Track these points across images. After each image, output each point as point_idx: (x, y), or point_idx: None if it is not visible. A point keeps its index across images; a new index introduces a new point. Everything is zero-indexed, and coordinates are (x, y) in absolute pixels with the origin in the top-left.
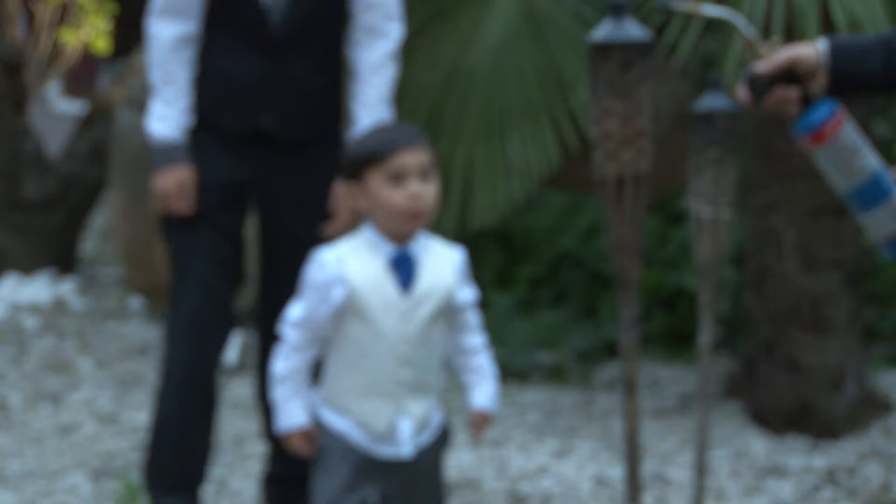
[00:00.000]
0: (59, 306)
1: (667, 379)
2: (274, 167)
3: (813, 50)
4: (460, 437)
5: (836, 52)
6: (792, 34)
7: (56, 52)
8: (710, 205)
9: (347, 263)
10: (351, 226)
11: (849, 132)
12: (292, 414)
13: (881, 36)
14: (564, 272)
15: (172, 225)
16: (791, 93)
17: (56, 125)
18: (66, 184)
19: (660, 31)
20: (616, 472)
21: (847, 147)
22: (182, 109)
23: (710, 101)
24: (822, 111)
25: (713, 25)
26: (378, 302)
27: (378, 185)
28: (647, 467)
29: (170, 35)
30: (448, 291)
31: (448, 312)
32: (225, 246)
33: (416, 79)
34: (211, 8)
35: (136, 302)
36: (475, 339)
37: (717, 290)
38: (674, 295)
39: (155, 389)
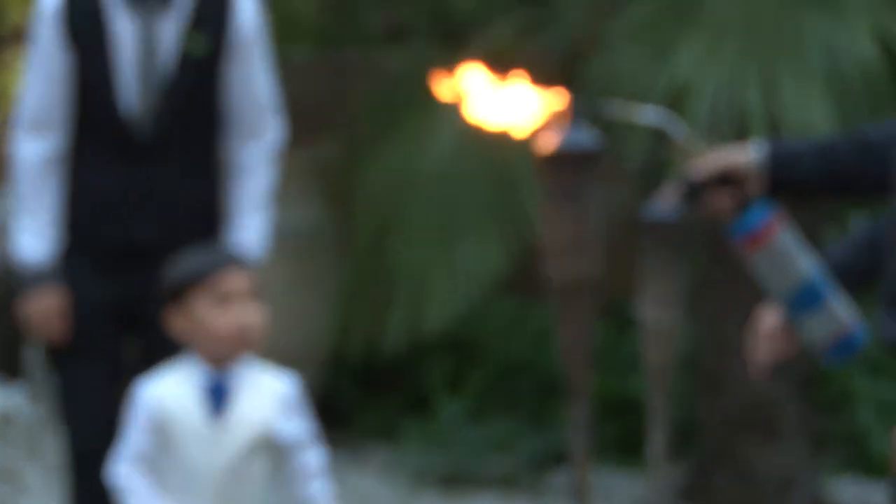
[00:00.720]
0: (6, 414)
1: (619, 486)
2: (154, 283)
3: (745, 155)
4: None
5: (775, 157)
6: (740, 136)
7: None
8: (659, 311)
9: (161, 391)
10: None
11: (785, 237)
12: None
13: (820, 140)
14: (515, 378)
15: (51, 352)
16: (726, 197)
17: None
18: (11, 288)
19: (610, 136)
20: None
21: (782, 252)
22: (50, 229)
23: (661, 208)
24: (757, 216)
25: (662, 131)
26: (185, 429)
27: (203, 308)
28: None
29: (35, 153)
30: (265, 424)
31: (270, 450)
32: (105, 370)
33: (368, 183)
34: (76, 119)
35: None
36: (314, 488)
37: (667, 396)
38: (624, 401)
39: None
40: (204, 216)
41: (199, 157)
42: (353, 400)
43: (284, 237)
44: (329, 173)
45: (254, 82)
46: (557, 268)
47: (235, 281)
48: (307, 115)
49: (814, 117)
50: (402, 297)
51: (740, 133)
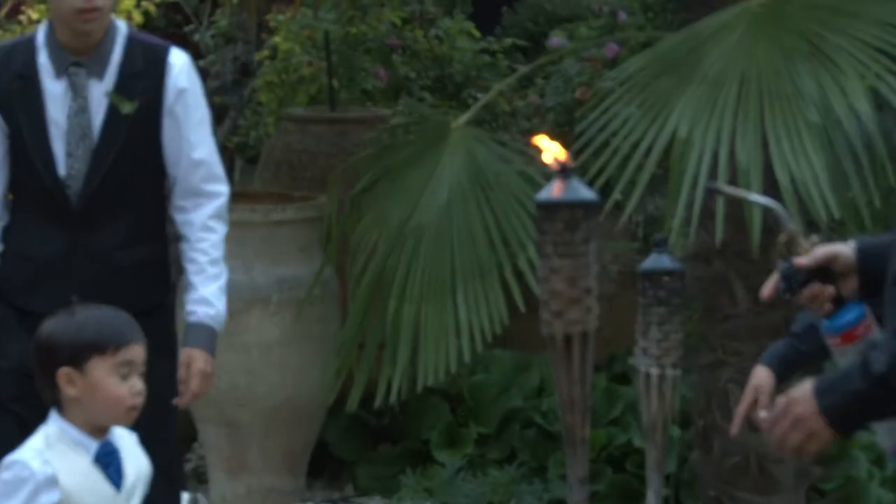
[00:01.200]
0: None
1: None
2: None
3: (850, 249)
4: None
5: (863, 254)
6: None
7: None
8: (656, 364)
9: (53, 464)
10: (203, 390)
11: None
12: None
13: None
14: (513, 430)
15: None
16: (827, 290)
17: None
18: None
19: (606, 190)
20: None
21: None
22: None
23: (657, 261)
24: (854, 313)
25: (658, 185)
26: (96, 502)
27: (103, 375)
28: None
29: None
30: (147, 475)
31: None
32: (13, 436)
33: (365, 237)
34: (12, 182)
35: None
36: None
37: (664, 448)
38: (622, 453)
39: None
40: (147, 282)
41: (138, 220)
42: (352, 452)
43: (285, 288)
44: (329, 225)
45: (192, 143)
46: (555, 319)
47: (138, 352)
48: (307, 167)
49: (808, 173)
50: (400, 350)
51: (735, 187)
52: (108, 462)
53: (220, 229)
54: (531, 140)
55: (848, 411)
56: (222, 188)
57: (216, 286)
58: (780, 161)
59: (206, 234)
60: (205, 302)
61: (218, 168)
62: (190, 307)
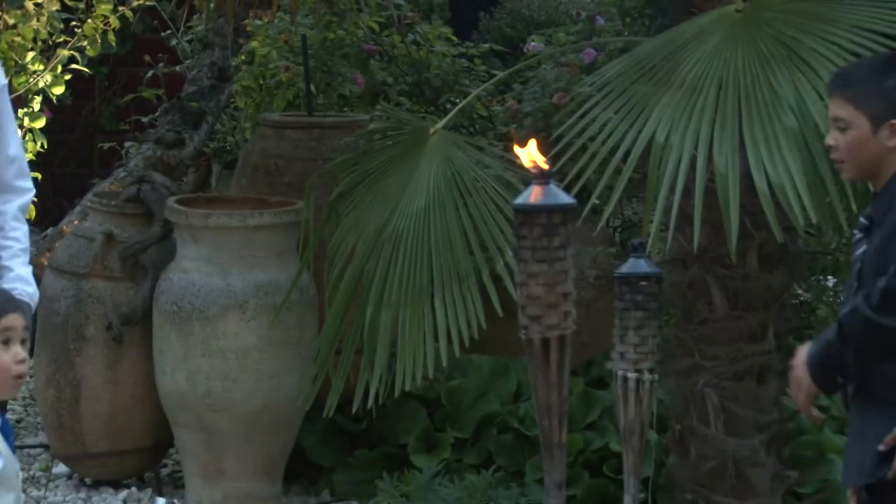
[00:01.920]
0: None
1: None
2: None
3: None
4: None
5: None
6: (713, 198)
7: None
8: (633, 368)
9: None
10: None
11: None
12: None
13: None
14: (490, 435)
15: None
16: None
17: None
18: None
19: (583, 195)
20: None
21: None
22: None
23: (634, 266)
24: None
25: (636, 190)
26: (12, 469)
27: None
28: None
29: None
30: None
31: None
32: None
33: (343, 242)
34: None
35: (61, 469)
36: None
37: (641, 452)
38: (599, 457)
39: None
40: None
41: None
42: (329, 457)
43: (262, 294)
44: (306, 230)
45: (7, 140)
46: (533, 324)
47: (18, 321)
48: (284, 172)
49: (786, 178)
50: (377, 355)
51: (713, 192)
52: (6, 432)
53: (25, 223)
54: (510, 145)
55: (822, 359)
56: (30, 185)
57: (30, 270)
58: (757, 166)
59: (18, 223)
60: (23, 280)
61: (26, 165)
62: (8, 285)
